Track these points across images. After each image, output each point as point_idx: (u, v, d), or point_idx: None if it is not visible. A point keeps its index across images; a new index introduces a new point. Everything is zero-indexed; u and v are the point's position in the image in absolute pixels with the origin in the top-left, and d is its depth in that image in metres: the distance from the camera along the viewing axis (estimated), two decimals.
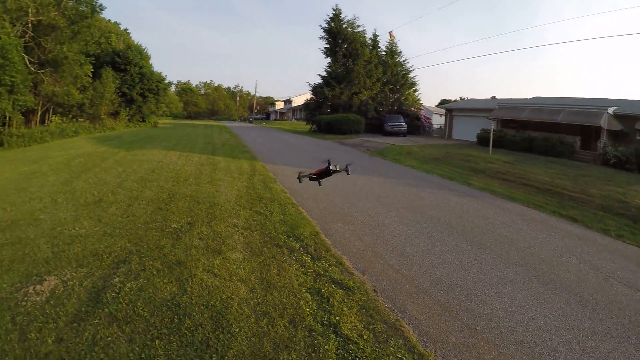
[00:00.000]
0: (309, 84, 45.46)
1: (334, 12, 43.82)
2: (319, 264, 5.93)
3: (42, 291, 4.97)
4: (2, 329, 4.20)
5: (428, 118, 47.35)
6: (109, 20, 64.55)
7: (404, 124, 38.25)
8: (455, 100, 70.47)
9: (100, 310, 4.44)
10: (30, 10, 27.41)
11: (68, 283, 5.15)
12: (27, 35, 28.22)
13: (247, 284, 5.18)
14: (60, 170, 13.90)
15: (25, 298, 4.81)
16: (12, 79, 22.12)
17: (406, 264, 6.23)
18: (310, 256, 6.27)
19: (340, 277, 5.48)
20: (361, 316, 4.53)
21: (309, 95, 48.31)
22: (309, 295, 4.93)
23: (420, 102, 48.69)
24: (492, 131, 24.55)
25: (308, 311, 4.55)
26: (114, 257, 6.00)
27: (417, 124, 43.78)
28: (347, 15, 48.02)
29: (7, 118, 25.44)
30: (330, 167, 4.80)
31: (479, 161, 19.22)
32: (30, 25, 28.21)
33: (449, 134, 38.60)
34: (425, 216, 9.12)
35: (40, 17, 28.29)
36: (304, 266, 5.86)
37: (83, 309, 4.50)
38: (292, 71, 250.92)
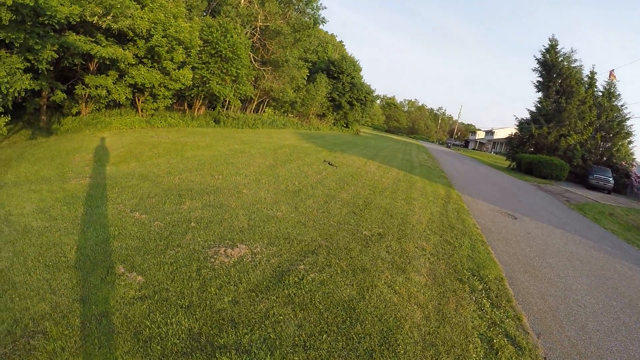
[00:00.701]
0: (516, 118, 43.16)
1: (550, 43, 40.69)
2: (497, 313, 5.59)
3: (231, 255, 5.59)
4: (186, 275, 4.83)
5: (639, 177, 41.01)
6: (327, 32, 69.85)
7: (611, 179, 33.72)
8: None
9: (280, 290, 4.80)
10: (259, 16, 31.89)
11: (257, 256, 5.69)
12: (254, 37, 32.47)
13: (424, 310, 5.12)
14: (267, 155, 15.37)
15: (215, 256, 5.45)
16: (237, 71, 25.49)
17: (584, 340, 5.52)
18: (490, 302, 5.94)
19: (515, 333, 5.11)
20: None
21: (512, 130, 45.72)
22: (479, 341, 4.70)
23: (634, 157, 42.34)
24: None
25: (474, 357, 4.36)
26: (303, 246, 6.45)
27: (625, 181, 38.05)
28: (563, 47, 43.97)
29: (227, 102, 29.26)
30: None
31: None
32: (258, 29, 32.59)
33: None
34: (617, 293, 7.91)
35: (268, 23, 32.44)
36: (482, 310, 5.58)
37: (265, 282, 4.93)
38: (498, 103, 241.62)
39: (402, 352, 4.09)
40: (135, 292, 4.35)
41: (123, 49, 19.09)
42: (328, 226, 7.74)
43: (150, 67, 20.84)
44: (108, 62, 18.28)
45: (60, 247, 5.29)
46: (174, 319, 3.96)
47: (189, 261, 5.19)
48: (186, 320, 3.98)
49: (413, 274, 6.22)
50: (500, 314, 5.58)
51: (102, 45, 17.37)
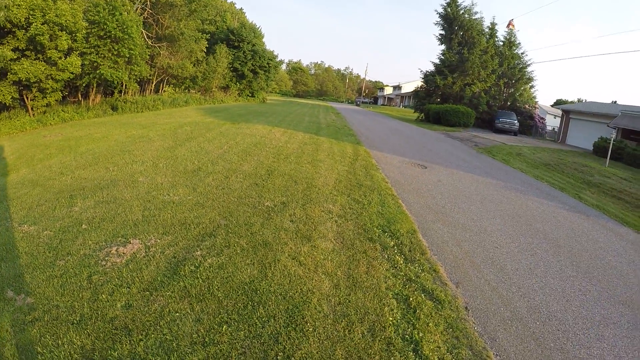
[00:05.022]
0: (421, 71, 44.43)
1: None
2: (412, 268, 5.53)
3: (124, 253, 5.18)
4: (77, 286, 4.40)
5: (542, 118, 43.73)
6: (225, 0, 67.49)
7: (516, 122, 35.74)
8: (572, 102, 64.99)
9: (175, 283, 4.48)
10: None
11: (150, 249, 5.31)
12: (145, 12, 30.36)
13: (332, 278, 4.94)
14: (166, 136, 14.66)
15: (106, 258, 5.04)
16: (130, 52, 24.08)
17: (505, 282, 5.62)
18: (404, 257, 5.89)
19: (432, 287, 5.06)
20: (447, 336, 4.10)
21: (419, 83, 46.87)
22: (394, 302, 4.59)
23: (536, 101, 45.09)
24: (612, 141, 22.08)
25: (391, 320, 4.22)
26: (200, 229, 6.10)
27: (529, 123, 40.58)
28: (464, 0, 45.16)
29: (124, 86, 27.68)
30: None
31: (593, 173, 17.41)
32: (148, 3, 30.42)
33: (563, 138, 35.22)
34: (531, 229, 8.29)
35: None
36: (395, 267, 5.50)
37: (159, 278, 4.58)
38: (403, 57, 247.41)
39: (310, 329, 3.87)
40: (25, 315, 3.92)
41: (1, 43, 17.34)
42: (228, 203, 7.40)
43: (35, 59, 19.01)
44: None
45: None
46: (65, 339, 3.57)
47: (79, 269, 4.72)
48: (78, 337, 3.59)
49: (319, 241, 6.03)
50: (415, 268, 5.52)
51: None
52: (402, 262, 5.68)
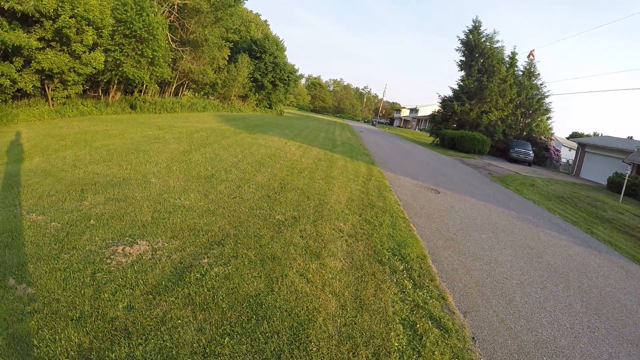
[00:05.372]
0: (439, 95, 44.64)
1: (473, 24, 42.29)
2: (420, 294, 5.41)
3: (130, 253, 5.08)
4: (79, 282, 4.31)
5: (557, 150, 43.59)
6: (251, 11, 68.50)
7: (531, 152, 35.73)
8: (588, 135, 64.57)
9: (180, 289, 4.38)
10: None
11: (157, 252, 5.21)
12: (172, 16, 30.64)
13: (339, 298, 4.82)
14: (182, 140, 14.67)
15: (112, 256, 4.95)
16: (153, 53, 24.24)
17: (513, 314, 5.49)
18: (413, 282, 5.76)
19: (440, 314, 4.94)
20: None
21: (436, 107, 47.29)
22: (401, 327, 4.47)
23: (552, 132, 45.02)
24: (627, 177, 21.83)
25: (396, 346, 4.11)
26: (209, 237, 6.00)
27: (544, 154, 40.62)
28: (486, 28, 45.42)
29: (144, 86, 27.89)
30: None
31: (606, 208, 17.14)
32: (176, 7, 30.86)
33: (577, 172, 34.98)
34: (542, 262, 8.14)
35: (186, 1, 30.73)
36: (404, 292, 5.37)
37: (163, 282, 4.49)
38: (421, 80, 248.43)
39: (314, 349, 3.76)
40: (25, 306, 3.82)
41: (29, 32, 17.51)
42: (239, 213, 7.31)
43: (59, 50, 19.19)
44: (10, 49, 16.63)
45: None
46: (63, 334, 3.47)
47: (83, 265, 4.64)
48: (76, 334, 3.50)
49: (328, 259, 5.92)
50: (424, 294, 5.40)
51: (4, 29, 15.77)
52: (410, 287, 5.56)
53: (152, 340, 3.52)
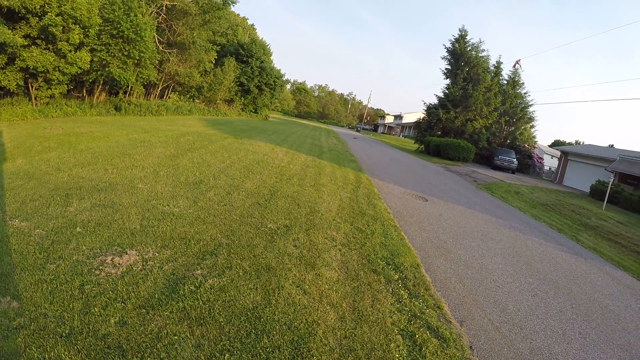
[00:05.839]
0: (424, 103, 44.82)
1: (459, 33, 42.44)
2: (416, 303, 5.38)
3: (119, 264, 4.90)
4: (67, 295, 4.11)
5: (540, 158, 44.21)
6: (238, 15, 68.37)
7: (514, 160, 36.22)
8: (570, 143, 65.59)
9: (174, 303, 4.23)
10: None
11: (148, 262, 5.04)
12: (160, 17, 30.33)
13: (338, 310, 4.74)
14: (168, 144, 14.47)
15: (101, 267, 4.75)
16: (140, 54, 23.94)
17: (507, 322, 5.54)
18: (408, 292, 5.72)
19: (437, 324, 4.92)
20: None
21: (420, 115, 47.51)
22: (400, 338, 4.43)
23: (536, 140, 45.69)
24: (610, 185, 22.18)
25: (397, 357, 4.08)
26: (201, 246, 5.85)
27: (527, 162, 41.23)
28: (472, 37, 45.72)
29: (130, 88, 27.52)
30: None
31: (590, 216, 17.46)
32: (164, 8, 30.46)
33: (560, 179, 35.57)
34: (531, 269, 8.23)
35: (175, 2, 30.47)
36: (400, 302, 5.33)
37: (157, 295, 4.33)
38: (405, 88, 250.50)
39: None
40: (10, 321, 3.60)
41: (14, 28, 17.12)
42: (230, 221, 7.17)
43: (45, 48, 18.78)
44: None
45: None
46: (52, 353, 3.27)
47: (71, 276, 4.43)
48: (67, 352, 3.30)
49: (324, 269, 5.83)
50: (420, 304, 5.38)
51: None
52: (406, 296, 5.52)
53: (149, 358, 3.36)
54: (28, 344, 3.35)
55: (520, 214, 15.17)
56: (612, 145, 42.43)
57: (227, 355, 3.55)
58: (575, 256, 10.12)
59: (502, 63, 43.14)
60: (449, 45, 42.87)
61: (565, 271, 8.62)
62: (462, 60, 41.99)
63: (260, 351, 3.67)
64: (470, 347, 4.68)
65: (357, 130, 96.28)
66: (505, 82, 43.45)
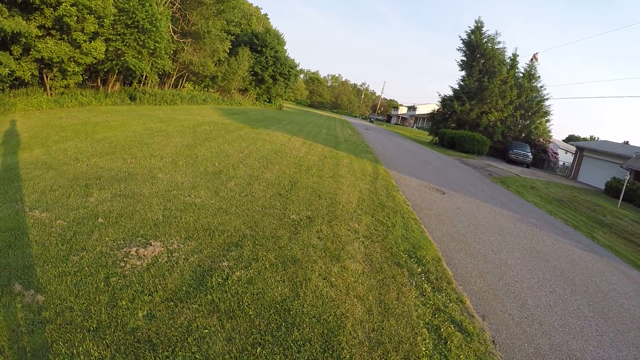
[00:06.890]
0: (439, 94, 44.33)
1: (475, 25, 41.92)
2: (439, 297, 5.35)
3: (144, 256, 4.83)
4: (93, 287, 4.04)
5: (555, 153, 43.59)
6: (251, 4, 68.12)
7: (529, 154, 35.75)
8: (585, 139, 64.74)
9: (203, 295, 4.18)
10: None
11: (174, 254, 4.99)
12: (174, 7, 30.26)
13: (364, 303, 4.71)
14: (185, 133, 14.48)
15: (125, 259, 4.68)
16: (155, 44, 23.88)
17: (527, 318, 5.54)
18: (431, 285, 5.69)
19: (460, 318, 4.91)
20: None
21: (435, 106, 47.14)
22: (426, 332, 4.42)
23: (551, 135, 45.02)
24: (625, 182, 21.86)
25: (424, 350, 4.06)
26: (225, 237, 5.81)
27: (542, 156, 40.66)
28: (488, 29, 45.01)
29: (144, 77, 27.53)
30: None
31: (605, 213, 17.25)
32: None
33: (575, 175, 35.06)
34: (549, 265, 8.17)
35: None
36: (424, 295, 5.31)
37: (184, 288, 4.27)
38: (420, 79, 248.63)
39: (347, 356, 3.63)
40: (35, 315, 3.50)
41: (28, 19, 17.14)
42: (252, 212, 7.13)
43: (59, 39, 18.79)
44: (9, 37, 16.28)
45: None
46: (80, 348, 3.17)
47: (95, 268, 4.36)
48: (95, 347, 3.21)
49: (348, 262, 5.80)
50: (443, 298, 5.35)
51: (4, 16, 15.42)
52: (430, 290, 5.49)
53: (180, 353, 3.30)
54: (55, 339, 3.26)
55: (536, 209, 15.04)
56: (628, 142, 41.80)
57: (259, 348, 3.51)
58: (591, 254, 10.04)
59: (518, 55, 42.34)
60: (464, 36, 42.42)
61: (582, 268, 8.57)
62: (478, 52, 41.46)
63: (292, 344, 3.64)
64: (493, 341, 4.68)
65: (371, 121, 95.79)
66: (522, 75, 42.60)
